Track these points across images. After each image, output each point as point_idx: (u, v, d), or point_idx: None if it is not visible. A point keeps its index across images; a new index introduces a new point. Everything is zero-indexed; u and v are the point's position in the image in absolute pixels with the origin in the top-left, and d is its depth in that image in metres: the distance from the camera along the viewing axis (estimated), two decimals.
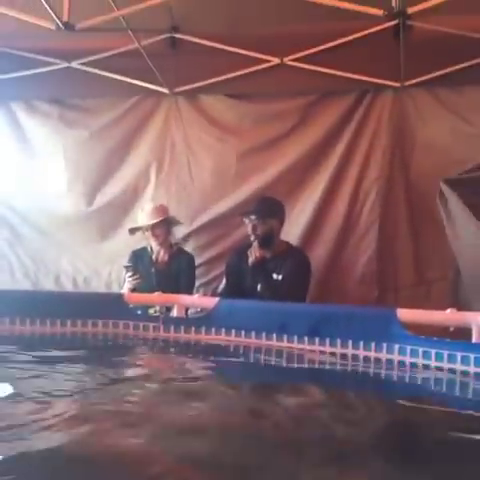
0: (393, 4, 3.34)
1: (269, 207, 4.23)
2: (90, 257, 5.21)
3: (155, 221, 4.49)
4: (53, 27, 3.57)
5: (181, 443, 1.51)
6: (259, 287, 4.13)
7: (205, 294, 4.42)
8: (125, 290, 4.32)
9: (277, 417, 1.83)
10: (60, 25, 3.53)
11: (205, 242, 4.96)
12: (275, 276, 4.14)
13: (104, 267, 5.16)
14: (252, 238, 4.17)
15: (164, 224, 4.53)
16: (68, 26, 3.52)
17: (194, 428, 1.62)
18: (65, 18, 3.54)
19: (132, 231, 4.64)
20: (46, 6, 3.51)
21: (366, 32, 4.20)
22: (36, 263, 5.27)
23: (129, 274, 4.34)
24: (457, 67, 4.28)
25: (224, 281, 4.44)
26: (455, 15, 3.87)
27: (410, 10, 3.38)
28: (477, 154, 4.23)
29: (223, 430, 1.64)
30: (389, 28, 4.11)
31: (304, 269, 4.22)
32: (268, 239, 4.16)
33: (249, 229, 4.19)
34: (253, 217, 4.17)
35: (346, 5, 3.35)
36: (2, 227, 5.32)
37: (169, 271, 4.52)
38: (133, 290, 4.23)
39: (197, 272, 4.69)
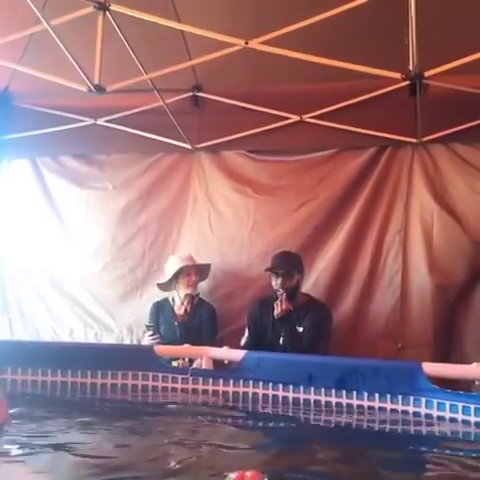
0: (410, 67, 3.46)
1: (294, 262, 4.36)
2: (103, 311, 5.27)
3: (198, 264, 4.62)
4: (85, 89, 3.71)
5: None
6: (282, 340, 4.21)
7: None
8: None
9: None
10: (92, 87, 3.66)
11: (224, 293, 5.00)
12: (298, 328, 4.23)
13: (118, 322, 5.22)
14: (279, 292, 4.24)
15: (197, 270, 4.62)
16: (99, 89, 3.65)
17: None
18: (96, 81, 3.66)
19: (165, 284, 4.71)
20: (78, 70, 3.66)
21: (383, 91, 4.33)
22: (54, 318, 5.33)
23: (149, 333, 4.43)
24: (471, 124, 4.40)
25: (246, 333, 4.49)
26: (468, 74, 3.98)
27: (427, 74, 3.49)
28: None
29: None
30: (405, 86, 4.22)
31: (326, 320, 4.32)
32: (294, 292, 4.27)
33: (276, 283, 4.28)
34: (281, 271, 4.26)
35: (366, 69, 3.47)
36: (24, 283, 5.41)
37: (191, 322, 4.58)
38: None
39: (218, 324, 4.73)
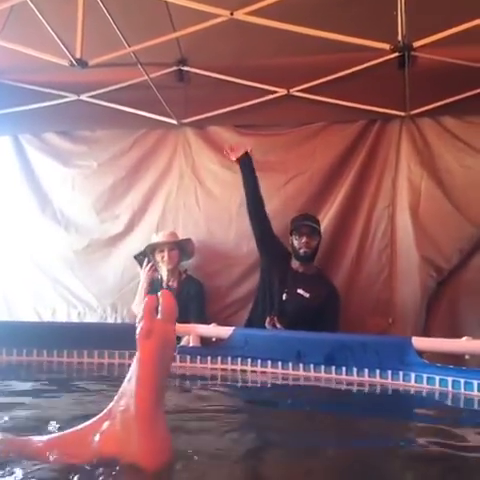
0: (399, 38, 3.40)
1: (317, 222, 4.44)
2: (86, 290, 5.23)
3: (175, 240, 4.61)
4: (66, 63, 3.64)
5: None
6: (285, 297, 4.29)
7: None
8: (141, 290, 4.46)
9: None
10: (73, 62, 3.59)
11: (212, 270, 4.97)
12: (301, 291, 4.29)
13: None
14: (302, 250, 4.31)
15: (178, 247, 4.59)
16: (81, 63, 3.58)
17: None
18: (78, 55, 3.58)
19: (144, 252, 4.68)
20: (60, 44, 3.58)
21: (371, 63, 4.26)
22: (36, 298, 5.29)
23: (144, 265, 4.43)
24: (461, 96, 4.36)
25: None
26: (458, 46, 3.93)
27: (415, 44, 3.45)
28: None
29: None
30: (394, 59, 4.16)
31: (338, 301, 4.43)
32: (313, 255, 4.39)
33: (299, 243, 4.33)
34: (305, 231, 4.32)
35: (353, 40, 3.42)
36: (6, 263, 5.38)
37: (179, 298, 4.49)
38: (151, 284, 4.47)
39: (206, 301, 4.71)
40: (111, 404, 1.34)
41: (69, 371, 3.26)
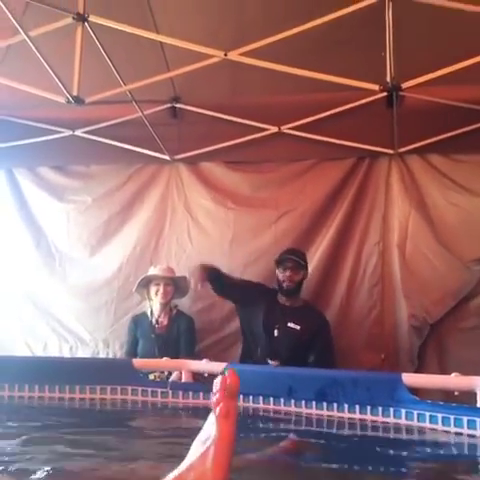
0: (387, 79, 3.48)
1: (302, 257, 4.45)
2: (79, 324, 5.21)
3: (172, 276, 4.62)
4: (63, 100, 3.69)
5: None
6: (276, 333, 4.29)
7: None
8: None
9: None
10: (70, 99, 3.64)
11: (204, 305, 4.96)
12: (291, 325, 4.30)
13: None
14: (285, 285, 4.34)
15: (173, 283, 4.61)
16: (78, 100, 3.63)
17: None
18: (75, 92, 3.64)
19: (141, 284, 4.67)
20: (57, 81, 3.64)
21: (361, 102, 4.36)
22: (27, 332, 5.26)
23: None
24: (448, 135, 4.46)
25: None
26: (445, 85, 4.02)
27: (404, 85, 3.52)
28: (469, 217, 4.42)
29: None
30: (382, 98, 4.23)
31: (330, 330, 4.45)
32: (298, 288, 4.40)
33: (283, 276, 4.35)
34: (290, 265, 4.34)
35: (343, 80, 3.50)
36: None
37: (169, 334, 4.55)
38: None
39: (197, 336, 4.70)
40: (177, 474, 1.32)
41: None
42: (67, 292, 5.22)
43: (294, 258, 4.37)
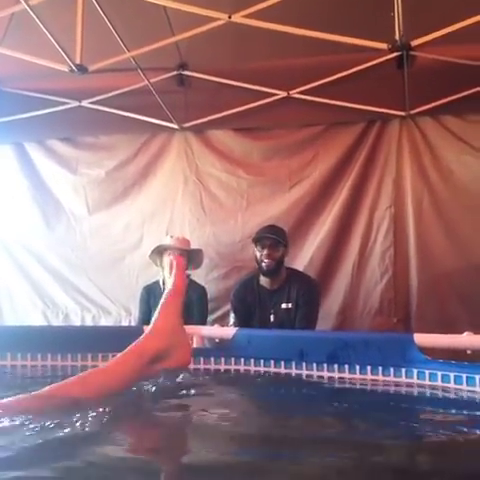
0: (396, 37, 3.41)
1: (280, 233, 4.32)
2: (101, 294, 5.29)
3: (187, 247, 4.58)
4: (66, 69, 3.67)
5: None
6: (272, 317, 4.19)
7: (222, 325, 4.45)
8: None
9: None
10: (73, 68, 3.62)
11: (220, 274, 5.02)
12: (284, 305, 4.20)
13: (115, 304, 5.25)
14: (265, 263, 4.21)
15: (188, 255, 4.59)
16: (81, 68, 3.61)
17: None
18: (78, 60, 3.62)
19: (155, 252, 4.63)
20: (59, 50, 3.61)
21: (370, 64, 4.27)
22: (45, 302, 5.34)
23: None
24: (461, 95, 4.37)
25: (232, 316, 4.42)
26: (457, 44, 3.95)
27: (413, 43, 3.45)
28: None
29: None
30: (393, 59, 4.17)
31: (315, 294, 4.31)
32: (279, 265, 4.24)
33: (261, 254, 4.22)
34: (268, 242, 4.22)
35: (351, 40, 3.43)
36: (12, 264, 5.40)
37: None
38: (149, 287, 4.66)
39: (209, 306, 4.71)
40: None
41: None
42: (89, 263, 5.29)
43: (272, 236, 4.26)
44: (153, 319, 2.29)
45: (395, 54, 4.01)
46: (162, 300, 2.26)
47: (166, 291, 2.33)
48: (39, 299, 5.33)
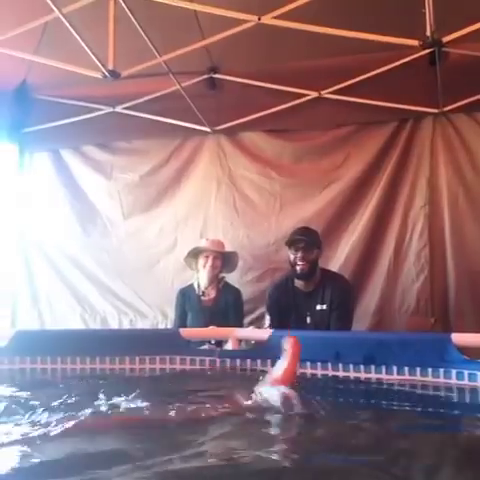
0: (428, 33, 3.37)
1: (314, 236, 4.29)
2: (138, 298, 5.32)
3: (222, 250, 4.60)
4: (99, 75, 3.71)
5: None
6: (309, 319, 4.18)
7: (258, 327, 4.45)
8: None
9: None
10: (106, 73, 3.66)
11: (254, 276, 5.01)
12: (319, 307, 4.17)
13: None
14: (299, 266, 4.19)
15: (223, 257, 4.60)
16: (114, 74, 3.65)
17: None
18: (110, 66, 3.67)
19: (191, 255, 4.65)
20: (92, 56, 3.66)
21: (402, 61, 4.24)
22: (83, 306, 5.40)
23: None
24: None
25: (267, 318, 4.39)
26: None
27: (445, 39, 3.41)
28: None
29: None
30: (425, 56, 4.13)
31: (349, 295, 4.28)
32: (313, 267, 4.21)
33: (295, 257, 4.18)
34: (301, 245, 4.19)
35: (382, 38, 3.41)
36: (51, 269, 5.46)
37: (217, 307, 4.54)
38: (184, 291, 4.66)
39: (245, 308, 4.70)
40: None
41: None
42: (125, 267, 5.33)
43: (305, 238, 4.21)
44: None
45: (427, 51, 3.97)
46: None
47: (271, 374, 2.22)
48: (77, 303, 5.39)
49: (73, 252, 5.43)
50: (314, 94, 4.66)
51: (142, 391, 2.52)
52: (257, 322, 4.72)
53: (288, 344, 2.03)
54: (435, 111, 4.55)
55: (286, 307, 4.26)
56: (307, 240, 4.20)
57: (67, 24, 3.55)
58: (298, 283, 4.27)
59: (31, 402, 2.47)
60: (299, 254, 4.16)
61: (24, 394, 2.70)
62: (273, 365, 3.14)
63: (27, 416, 2.20)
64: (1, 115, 5.11)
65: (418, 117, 4.66)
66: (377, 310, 4.67)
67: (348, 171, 4.86)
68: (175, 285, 5.00)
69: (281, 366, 2.11)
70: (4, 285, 5.55)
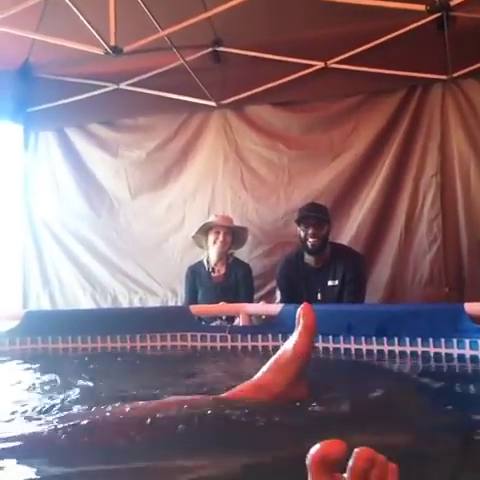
0: None
1: (323, 211, 4.25)
2: (147, 276, 5.32)
3: (232, 225, 4.58)
4: (102, 52, 3.66)
5: None
6: (319, 295, 4.15)
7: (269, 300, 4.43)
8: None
9: None
10: (108, 50, 3.61)
11: (264, 251, 4.98)
12: (330, 283, 4.15)
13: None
14: (309, 244, 4.16)
15: (233, 233, 4.58)
16: (116, 50, 3.60)
17: None
18: (112, 42, 3.61)
19: (199, 232, 4.63)
20: (94, 32, 3.61)
21: (409, 28, 4.14)
22: (94, 286, 5.40)
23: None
24: None
25: (278, 293, 4.42)
26: None
27: (452, 3, 3.34)
28: None
29: None
30: (432, 21, 4.04)
31: (361, 270, 4.25)
32: (324, 243, 4.17)
33: (306, 233, 4.14)
34: (312, 221, 4.15)
35: (389, 4, 3.34)
36: (60, 250, 5.46)
37: (227, 282, 4.53)
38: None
39: (255, 283, 4.67)
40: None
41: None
42: (134, 246, 5.32)
43: (315, 214, 4.18)
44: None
45: (434, 16, 3.89)
46: (276, 357, 1.77)
47: (283, 349, 1.79)
48: (87, 283, 5.39)
49: (82, 232, 5.42)
50: (320, 64, 4.58)
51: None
52: (268, 297, 4.69)
53: (300, 314, 1.73)
54: (444, 77, 4.45)
55: (296, 283, 4.24)
56: (317, 216, 4.16)
57: (67, 0, 3.49)
58: (308, 259, 4.24)
59: (46, 383, 2.48)
60: (310, 230, 4.11)
61: (38, 375, 2.72)
62: (284, 340, 3.16)
63: (43, 397, 2.20)
64: (5, 95, 5.08)
65: (427, 84, 4.58)
66: (389, 282, 4.64)
67: (357, 141, 4.80)
68: (184, 262, 4.99)
69: (292, 340, 1.79)
70: (14, 266, 5.55)
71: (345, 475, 0.75)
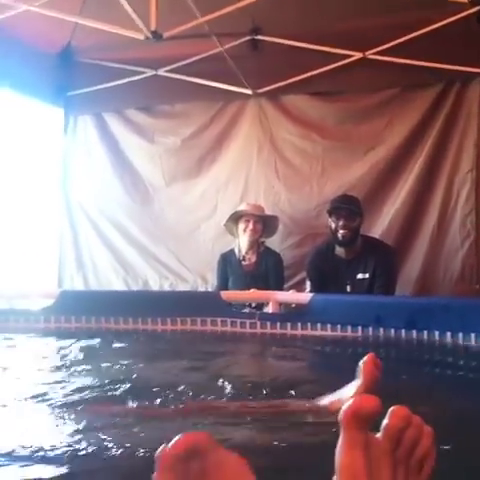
0: None
1: (356, 203, 4.24)
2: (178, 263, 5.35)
3: (263, 213, 4.58)
4: (142, 37, 3.70)
5: None
6: (349, 287, 4.15)
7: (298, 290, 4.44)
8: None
9: None
10: (149, 35, 3.64)
11: (295, 241, 4.97)
12: (360, 276, 4.14)
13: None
14: (340, 235, 4.15)
15: (263, 221, 4.59)
16: (156, 35, 3.63)
17: None
18: (153, 28, 3.65)
19: (231, 220, 4.65)
20: (134, 18, 3.65)
21: (450, 20, 4.09)
22: (126, 270, 5.45)
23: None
24: None
25: (308, 284, 4.41)
26: None
27: None
28: None
29: None
30: (473, 13, 3.97)
31: (393, 264, 4.24)
32: (355, 235, 4.17)
33: (337, 225, 4.13)
34: (343, 213, 4.14)
35: None
36: (95, 234, 5.53)
37: (258, 271, 4.54)
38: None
39: (285, 273, 4.68)
40: None
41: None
42: (167, 232, 5.36)
43: (347, 206, 4.17)
44: None
45: (476, 8, 3.83)
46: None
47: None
48: (120, 267, 5.44)
49: (117, 217, 5.47)
50: (358, 55, 4.54)
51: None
52: (297, 287, 4.66)
53: (364, 363, 1.57)
54: None
55: (326, 275, 4.24)
56: (349, 208, 4.15)
57: None
58: (339, 251, 4.24)
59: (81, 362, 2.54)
60: (341, 222, 4.11)
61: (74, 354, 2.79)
62: (313, 329, 3.18)
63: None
64: (47, 78, 5.15)
65: (466, 79, 4.51)
66: (420, 277, 4.61)
67: (392, 135, 4.75)
68: (215, 250, 5.01)
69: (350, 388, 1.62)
70: (50, 249, 5.64)
71: (378, 435, 0.73)
